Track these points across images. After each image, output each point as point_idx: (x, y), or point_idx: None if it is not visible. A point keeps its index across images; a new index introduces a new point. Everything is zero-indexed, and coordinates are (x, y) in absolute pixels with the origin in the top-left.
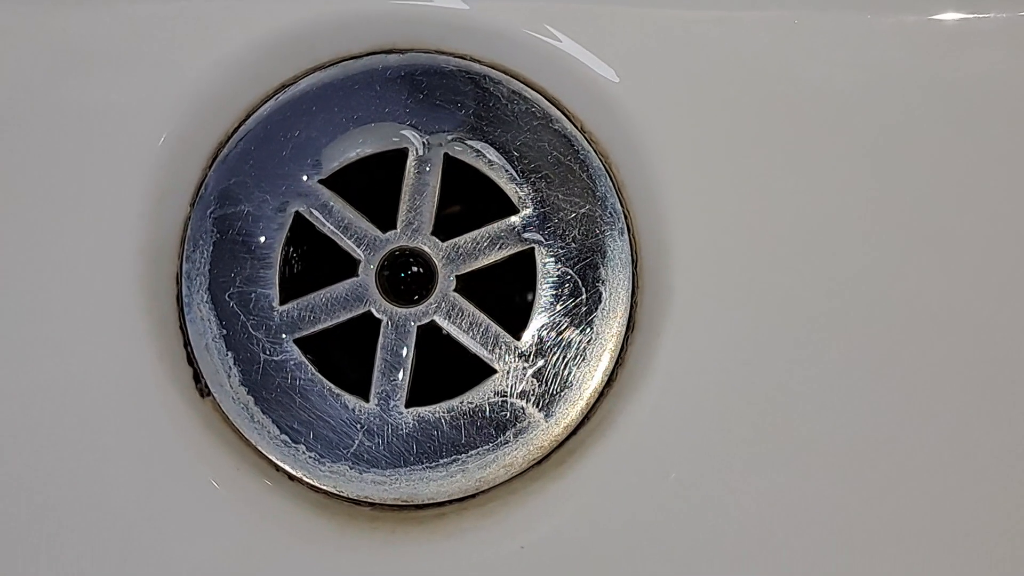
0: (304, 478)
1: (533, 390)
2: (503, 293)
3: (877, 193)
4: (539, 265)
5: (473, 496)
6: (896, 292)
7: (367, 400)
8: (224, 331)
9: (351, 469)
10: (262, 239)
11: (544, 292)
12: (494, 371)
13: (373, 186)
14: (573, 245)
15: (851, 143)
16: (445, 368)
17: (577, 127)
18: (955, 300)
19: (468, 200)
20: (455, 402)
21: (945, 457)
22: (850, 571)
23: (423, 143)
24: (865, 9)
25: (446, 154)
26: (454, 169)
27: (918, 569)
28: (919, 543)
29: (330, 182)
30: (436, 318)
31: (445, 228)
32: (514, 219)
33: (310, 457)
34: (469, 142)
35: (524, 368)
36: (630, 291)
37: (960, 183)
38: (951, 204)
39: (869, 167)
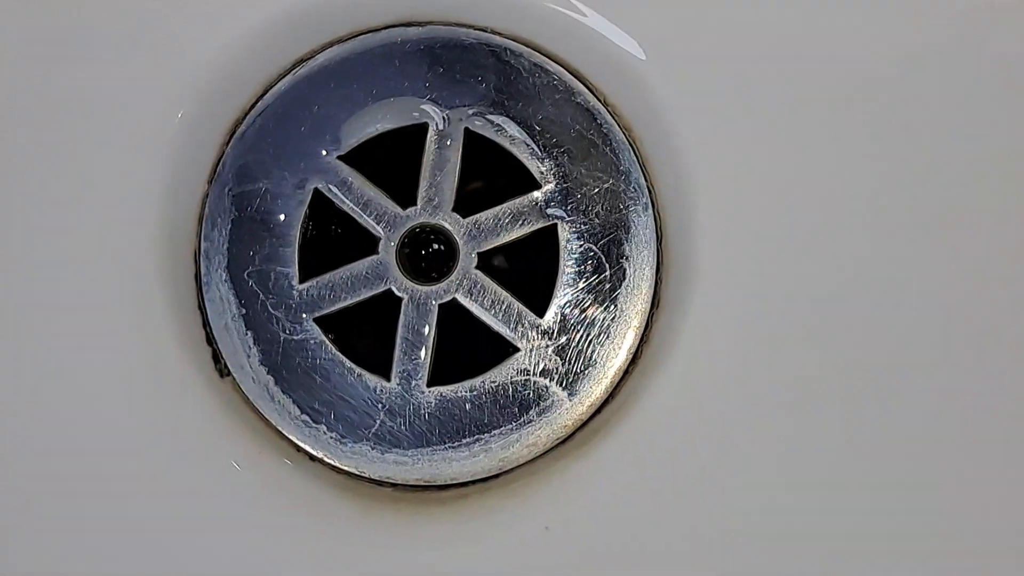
0: (325, 458)
1: (556, 368)
2: (525, 270)
3: (911, 172)
4: (562, 241)
5: (496, 476)
6: (929, 276)
7: (388, 379)
8: (243, 310)
9: (373, 449)
10: (281, 217)
11: (567, 269)
12: (517, 349)
13: (393, 162)
14: (596, 221)
15: (884, 120)
16: (467, 346)
17: (600, 100)
18: (996, 285)
19: (489, 176)
20: (477, 381)
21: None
22: (878, 550)
23: (443, 118)
24: None
25: (467, 129)
26: (475, 144)
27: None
28: (953, 537)
29: (349, 158)
30: (458, 296)
31: (466, 204)
32: (536, 195)
33: (331, 437)
34: (490, 116)
35: (547, 346)
36: (655, 268)
37: (1001, 166)
38: (990, 187)
39: (903, 145)
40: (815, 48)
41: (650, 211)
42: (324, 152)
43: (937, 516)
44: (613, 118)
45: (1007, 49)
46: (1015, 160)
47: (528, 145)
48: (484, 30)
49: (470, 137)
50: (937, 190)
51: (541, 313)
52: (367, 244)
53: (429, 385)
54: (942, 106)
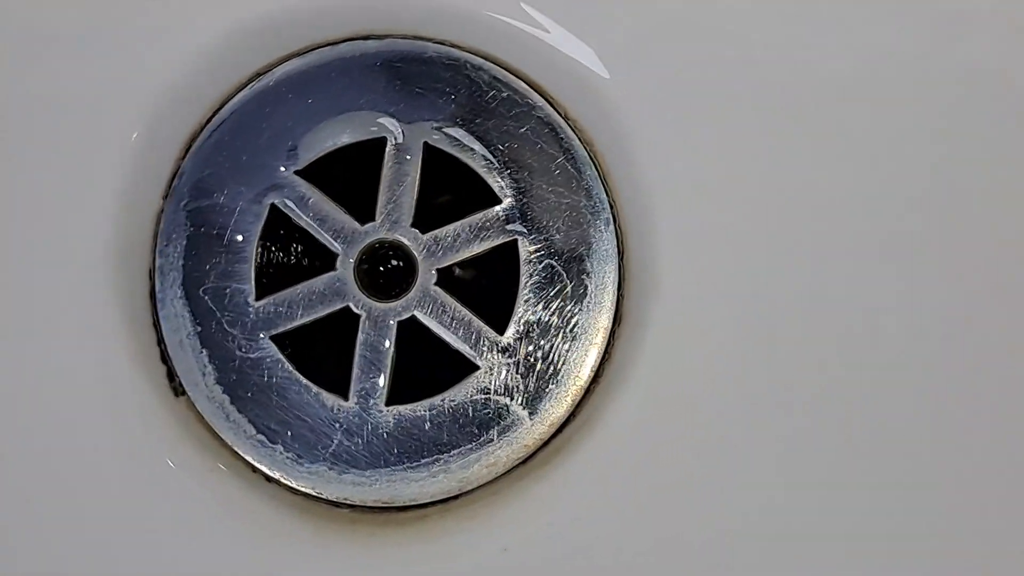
0: (282, 479)
1: (517, 386)
2: (485, 286)
3: (873, 186)
4: (522, 257)
5: (456, 497)
6: (891, 288)
7: (346, 398)
8: (199, 328)
9: (330, 470)
10: (237, 232)
11: (528, 285)
12: (477, 367)
13: (351, 177)
14: (557, 236)
15: (847, 134)
16: (426, 364)
17: (561, 114)
18: (954, 297)
19: (449, 191)
20: (437, 400)
21: (944, 457)
22: (844, 570)
23: (402, 132)
24: None
25: (426, 143)
26: (434, 159)
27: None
28: (912, 541)
29: (307, 173)
30: (416, 313)
31: (425, 220)
32: (496, 210)
33: (288, 457)
34: (449, 131)
35: (508, 364)
36: (616, 283)
37: (966, 177)
38: (956, 199)
39: (866, 159)
40: (777, 64)
41: (611, 226)
42: (281, 167)
43: (921, 541)
44: (574, 133)
45: (977, 55)
46: (986, 163)
47: (488, 160)
48: (443, 43)
49: (429, 152)
50: (908, 206)
51: (501, 330)
52: (325, 260)
53: (388, 404)
54: (910, 114)
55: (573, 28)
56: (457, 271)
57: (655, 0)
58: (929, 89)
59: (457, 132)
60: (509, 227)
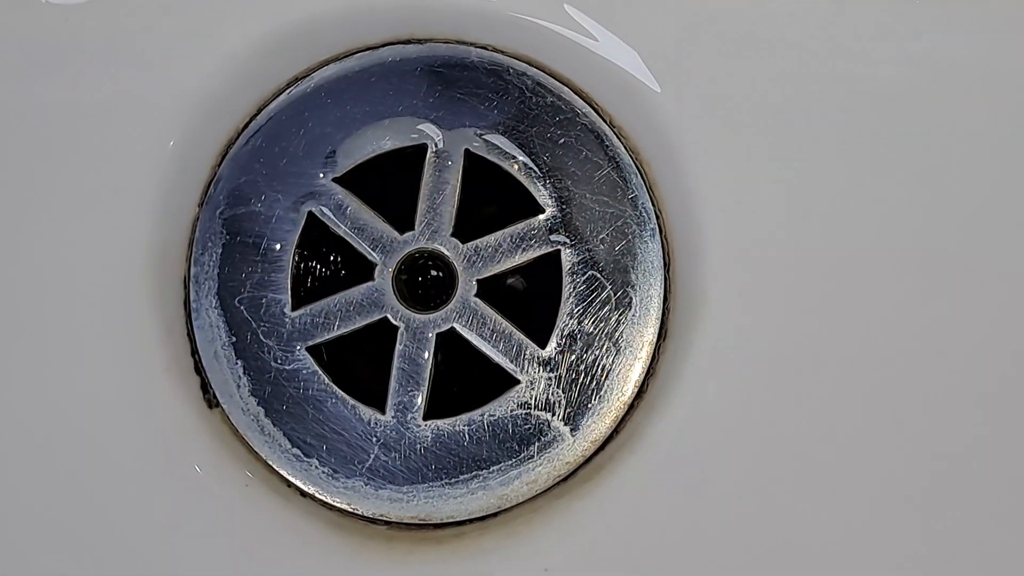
0: (317, 494)
1: (559, 402)
2: (527, 298)
3: (927, 197)
4: (565, 268)
5: (495, 515)
6: (948, 308)
7: (383, 412)
8: (234, 338)
9: (366, 485)
10: (274, 241)
11: (570, 297)
12: (517, 381)
13: (390, 184)
14: (601, 247)
15: (897, 143)
16: (466, 378)
17: (606, 121)
18: (1011, 304)
19: (490, 199)
20: (476, 414)
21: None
22: None
23: (443, 139)
24: None
25: (467, 150)
26: (475, 166)
27: None
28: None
29: (345, 180)
30: (456, 325)
31: (466, 229)
32: (539, 219)
33: (323, 472)
34: (491, 137)
35: (549, 378)
36: (662, 297)
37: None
38: (1013, 205)
39: (917, 167)
40: (831, 75)
41: (657, 237)
42: (319, 174)
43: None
44: (620, 140)
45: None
46: None
47: (531, 168)
48: (486, 48)
49: (470, 159)
50: (954, 214)
51: (543, 344)
52: (363, 270)
53: (426, 418)
54: (961, 123)
55: (619, 33)
56: (497, 285)
57: (704, 5)
58: (986, 96)
59: (499, 139)
60: (552, 237)
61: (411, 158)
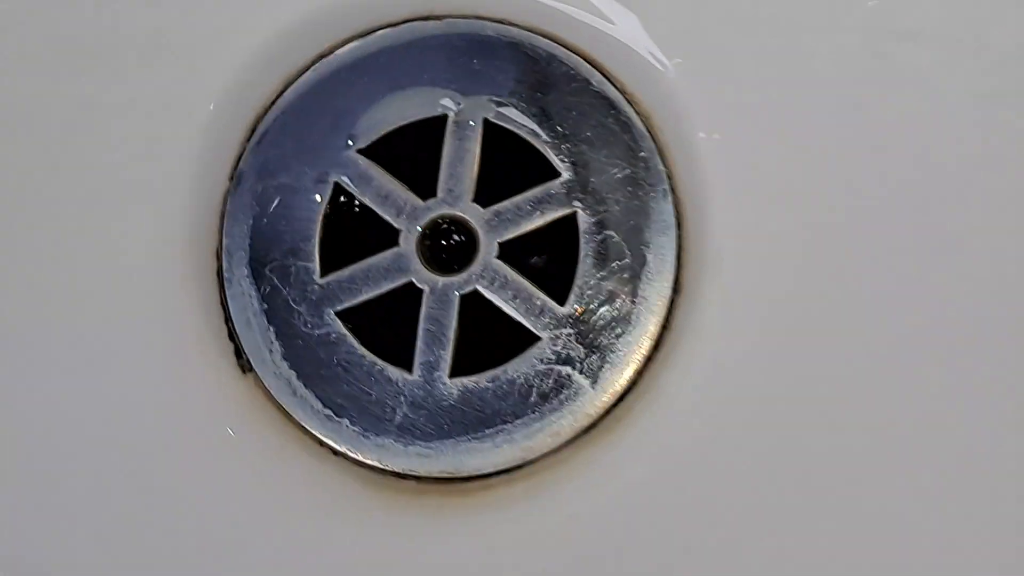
0: (348, 452)
1: (579, 357)
2: (546, 259)
3: (939, 158)
4: (582, 229)
5: (520, 467)
6: (957, 262)
7: (410, 372)
8: (265, 305)
9: (396, 442)
10: (302, 211)
11: (587, 257)
12: (539, 339)
13: (413, 154)
14: (616, 208)
15: (909, 108)
16: (489, 337)
17: (619, 89)
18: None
19: (509, 165)
20: (499, 371)
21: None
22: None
23: (462, 109)
24: None
25: (486, 119)
26: (494, 134)
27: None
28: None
29: (370, 152)
30: (478, 286)
31: (487, 194)
32: (556, 183)
33: (354, 431)
34: (509, 107)
35: (569, 335)
36: (675, 254)
37: None
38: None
39: (930, 133)
40: (844, 38)
41: (669, 198)
42: (344, 146)
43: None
44: (631, 107)
45: None
46: None
47: (547, 134)
48: (503, 22)
49: (489, 128)
50: (978, 182)
51: (562, 302)
52: (387, 237)
53: (451, 376)
54: (966, 101)
55: (631, 7)
56: (518, 246)
57: None
58: (999, 70)
59: (516, 108)
60: (568, 199)
61: (432, 129)
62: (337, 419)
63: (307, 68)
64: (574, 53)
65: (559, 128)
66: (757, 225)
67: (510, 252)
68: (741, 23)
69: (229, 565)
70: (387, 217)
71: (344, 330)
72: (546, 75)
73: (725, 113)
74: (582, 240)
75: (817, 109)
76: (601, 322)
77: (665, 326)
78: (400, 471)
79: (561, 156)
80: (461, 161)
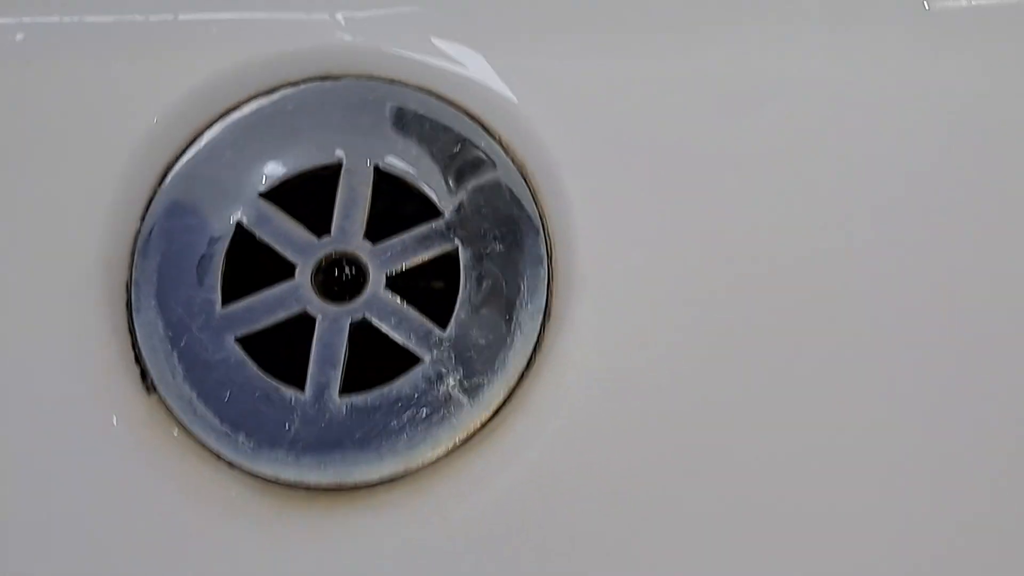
0: (244, 465)
1: (458, 376)
2: (430, 289)
3: (769, 193)
4: (463, 263)
5: (402, 476)
6: (788, 287)
7: (303, 391)
8: (170, 332)
9: (288, 455)
10: (206, 248)
11: (468, 286)
12: (422, 360)
13: (310, 198)
14: (493, 244)
15: (771, 133)
16: (377, 360)
17: (496, 139)
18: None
19: (397, 206)
20: (385, 389)
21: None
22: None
23: (355, 157)
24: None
25: (376, 166)
26: (384, 179)
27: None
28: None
29: (271, 195)
30: (367, 314)
31: (376, 232)
32: (439, 222)
33: (250, 445)
34: (397, 155)
35: (450, 356)
36: (546, 283)
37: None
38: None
39: (764, 169)
40: (681, 80)
41: (541, 235)
42: (248, 190)
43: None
44: (508, 156)
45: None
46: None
47: (432, 179)
48: (393, 81)
49: (379, 173)
50: (803, 209)
51: (444, 326)
52: (285, 270)
53: (340, 395)
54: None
55: (492, 63)
56: (404, 278)
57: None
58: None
59: (404, 155)
60: (450, 235)
61: (328, 174)
62: (234, 434)
63: (216, 120)
64: (457, 108)
65: (443, 173)
66: (619, 259)
67: (397, 283)
68: (596, 85)
69: (130, 572)
70: (285, 253)
71: (243, 355)
72: (431, 127)
73: (587, 161)
74: (463, 271)
75: (675, 154)
76: (479, 344)
77: (536, 348)
78: (292, 481)
79: (444, 198)
80: (354, 203)
